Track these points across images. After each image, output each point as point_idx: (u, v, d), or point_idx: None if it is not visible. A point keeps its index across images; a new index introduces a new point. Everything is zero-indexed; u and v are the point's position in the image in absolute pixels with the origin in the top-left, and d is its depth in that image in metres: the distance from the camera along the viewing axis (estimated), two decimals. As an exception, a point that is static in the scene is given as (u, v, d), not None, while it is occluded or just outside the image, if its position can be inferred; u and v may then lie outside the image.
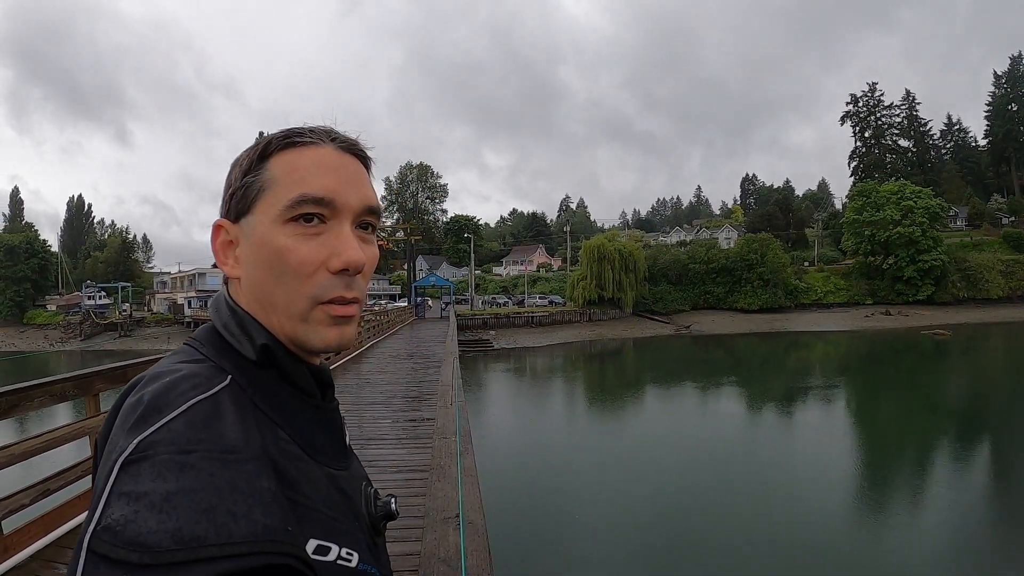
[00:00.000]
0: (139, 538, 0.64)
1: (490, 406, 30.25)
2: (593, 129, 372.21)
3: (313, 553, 0.81)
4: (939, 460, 19.93)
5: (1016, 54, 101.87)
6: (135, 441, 0.72)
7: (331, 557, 0.84)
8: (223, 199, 1.00)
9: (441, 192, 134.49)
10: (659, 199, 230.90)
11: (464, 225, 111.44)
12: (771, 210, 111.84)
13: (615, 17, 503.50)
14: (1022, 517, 14.48)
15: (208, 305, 1.09)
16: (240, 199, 0.96)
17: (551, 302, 76.74)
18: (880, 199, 77.47)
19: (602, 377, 41.85)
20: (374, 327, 29.54)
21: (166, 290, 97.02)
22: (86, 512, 0.68)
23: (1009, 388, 34.01)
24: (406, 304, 62.25)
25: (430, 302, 66.44)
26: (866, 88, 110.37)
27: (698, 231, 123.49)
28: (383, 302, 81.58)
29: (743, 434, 23.50)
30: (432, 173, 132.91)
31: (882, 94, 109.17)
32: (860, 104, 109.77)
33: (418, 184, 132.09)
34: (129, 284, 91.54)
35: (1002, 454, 20.39)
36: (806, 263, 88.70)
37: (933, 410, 27.84)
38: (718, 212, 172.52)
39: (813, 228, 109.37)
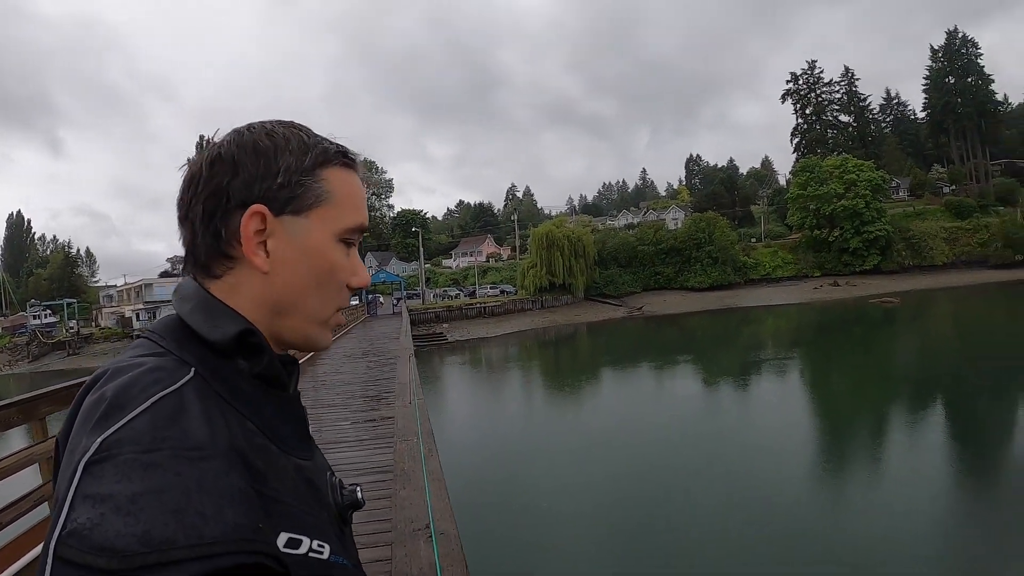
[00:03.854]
0: (106, 542, 0.62)
1: (447, 400, 29.89)
2: (538, 114, 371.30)
3: (284, 547, 0.79)
4: (894, 425, 20.17)
5: (952, 28, 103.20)
6: (98, 441, 0.70)
7: (303, 550, 0.82)
8: (252, 178, 0.94)
9: (387, 187, 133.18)
10: (605, 183, 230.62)
11: (411, 219, 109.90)
12: (717, 189, 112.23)
13: None
14: (976, 476, 14.72)
15: (172, 293, 1.02)
16: (293, 197, 0.95)
17: (503, 291, 76.14)
18: (823, 174, 78.23)
19: (558, 363, 41.67)
20: None
21: (113, 304, 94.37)
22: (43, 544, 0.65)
23: (958, 350, 34.57)
24: (357, 302, 61.41)
25: (381, 299, 65.53)
26: (806, 66, 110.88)
27: (645, 213, 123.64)
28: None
29: (701, 411, 23.47)
30: (376, 168, 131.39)
31: (821, 71, 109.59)
32: (800, 82, 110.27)
33: (363, 181, 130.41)
34: (75, 300, 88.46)
35: (955, 416, 20.58)
36: (753, 239, 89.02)
37: (886, 376, 28.36)
38: (664, 193, 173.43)
39: (759, 205, 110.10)
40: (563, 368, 38.60)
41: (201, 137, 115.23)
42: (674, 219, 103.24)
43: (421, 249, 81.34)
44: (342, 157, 1.01)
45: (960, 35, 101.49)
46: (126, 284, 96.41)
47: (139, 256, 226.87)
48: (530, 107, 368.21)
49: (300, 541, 0.82)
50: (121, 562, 0.61)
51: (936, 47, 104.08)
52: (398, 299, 62.52)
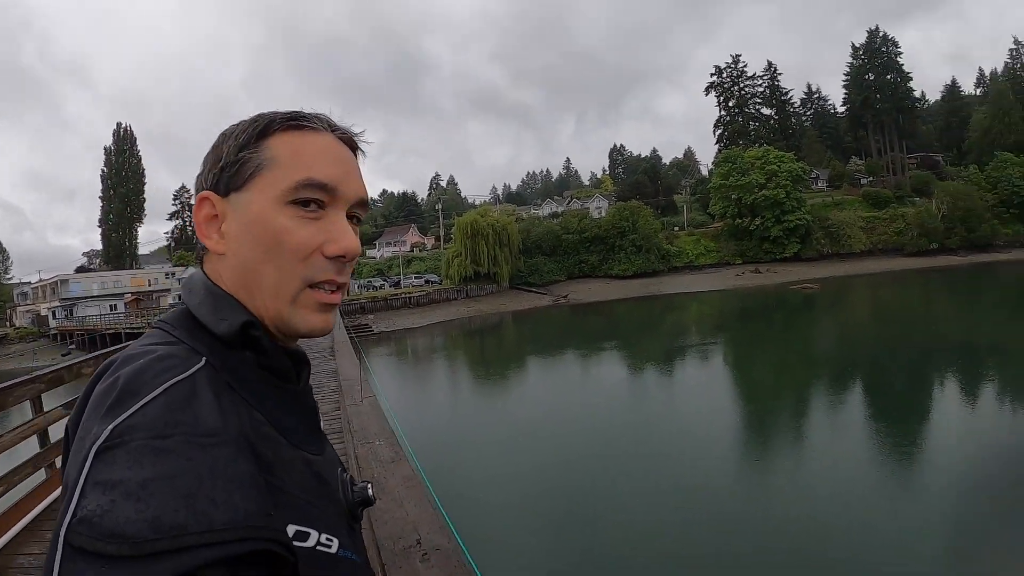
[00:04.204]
0: (116, 528, 0.61)
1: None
2: (463, 103, 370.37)
3: (292, 539, 0.78)
4: (816, 408, 20.57)
5: (874, 27, 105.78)
6: (109, 427, 0.70)
7: (310, 543, 0.82)
8: (207, 170, 0.98)
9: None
10: (529, 172, 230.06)
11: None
12: (640, 179, 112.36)
13: None
14: (895, 455, 15.02)
15: (181, 285, 1.05)
16: (233, 174, 0.94)
17: (427, 281, 74.39)
18: (745, 164, 79.33)
19: (484, 353, 41.25)
20: None
21: (28, 301, 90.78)
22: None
23: (875, 334, 35.45)
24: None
25: (306, 289, 63.67)
26: (730, 60, 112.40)
27: (569, 202, 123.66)
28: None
29: (627, 398, 23.59)
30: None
31: (745, 65, 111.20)
32: (724, 75, 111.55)
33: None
34: None
35: (873, 397, 21.15)
36: (676, 228, 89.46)
37: (807, 360, 29.02)
38: (588, 183, 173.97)
39: (681, 194, 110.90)
40: (489, 358, 38.10)
41: (118, 125, 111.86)
42: (598, 208, 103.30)
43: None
44: (288, 121, 0.97)
45: (881, 34, 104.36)
46: (41, 281, 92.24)
47: (54, 251, 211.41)
48: (455, 96, 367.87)
49: (308, 534, 0.82)
50: (132, 548, 0.61)
51: (857, 45, 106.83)
52: (322, 289, 60.68)
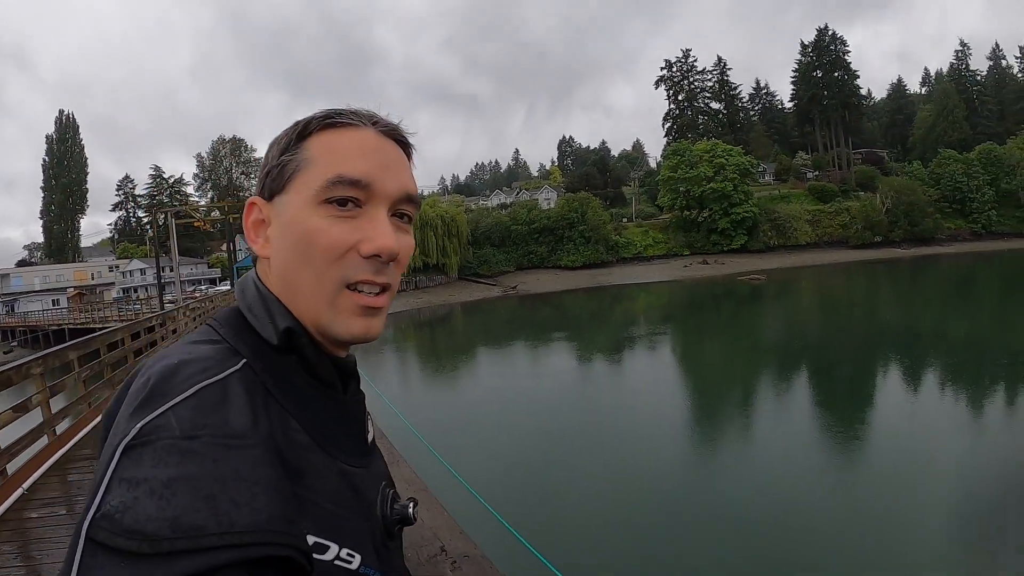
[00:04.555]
0: (136, 526, 0.62)
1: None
2: (413, 93, 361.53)
3: (311, 550, 0.77)
4: (763, 394, 20.90)
5: (823, 26, 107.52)
6: (138, 426, 0.70)
7: (328, 556, 0.80)
8: (259, 177, 0.99)
9: (256, 167, 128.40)
10: (478, 163, 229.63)
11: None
12: (589, 170, 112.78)
13: None
14: (839, 438, 15.34)
15: (236, 284, 1.06)
16: (275, 178, 0.95)
17: (375, 272, 73.86)
18: (693, 157, 79.99)
19: (434, 344, 40.73)
20: (200, 315, 27.39)
21: None
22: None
23: (820, 323, 36.33)
24: (229, 288, 58.30)
25: (250, 282, 62.02)
26: (680, 54, 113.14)
27: (518, 193, 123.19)
28: (203, 287, 76.73)
29: (578, 387, 23.38)
30: (246, 147, 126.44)
31: (695, 60, 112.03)
32: (674, 69, 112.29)
33: (232, 159, 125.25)
34: None
35: (818, 383, 21.56)
36: (625, 219, 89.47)
37: (754, 348, 29.38)
38: (536, 174, 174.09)
39: (630, 186, 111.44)
40: (440, 349, 37.80)
41: (61, 112, 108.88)
42: (547, 199, 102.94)
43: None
44: (325, 120, 0.95)
45: (830, 32, 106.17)
46: None
47: None
48: (405, 85, 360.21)
49: (327, 547, 0.80)
50: (151, 546, 0.61)
51: (807, 43, 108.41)
52: (266, 281, 59.24)
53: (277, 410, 0.83)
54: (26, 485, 7.15)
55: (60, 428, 9.01)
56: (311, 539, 0.77)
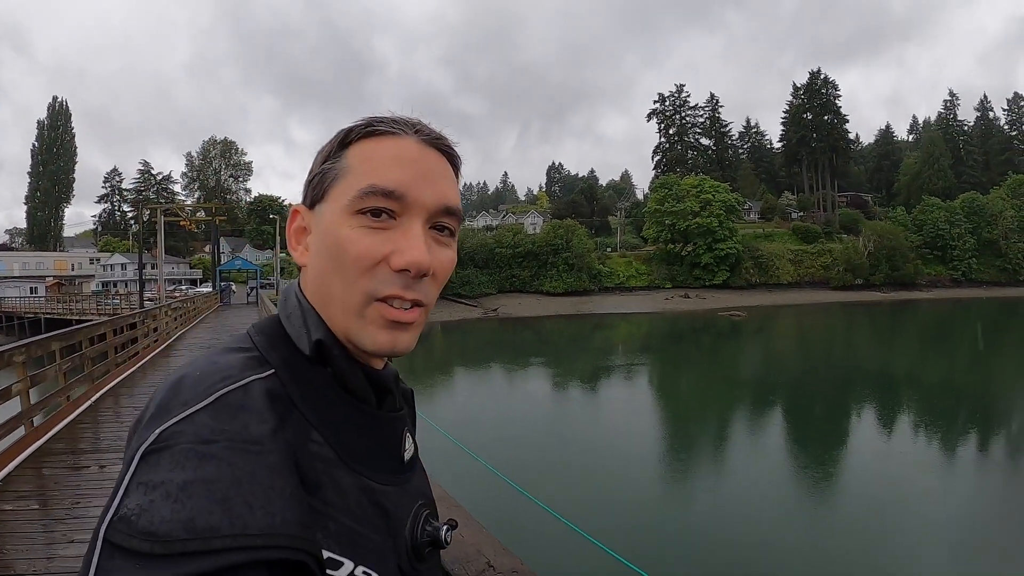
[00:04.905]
0: (151, 527, 0.63)
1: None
2: (406, 106, 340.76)
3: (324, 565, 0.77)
4: (739, 427, 21.12)
5: (816, 69, 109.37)
6: (157, 431, 0.72)
7: (342, 573, 0.79)
8: (304, 184, 0.99)
9: (245, 170, 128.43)
10: (466, 184, 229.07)
11: (268, 206, 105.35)
12: (577, 198, 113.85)
13: None
14: (812, 472, 15.59)
15: (280, 292, 1.04)
16: (316, 186, 0.94)
17: (356, 288, 73.71)
18: (681, 191, 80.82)
19: (411, 362, 40.01)
20: (182, 316, 27.51)
21: None
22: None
23: (798, 360, 36.56)
24: (210, 290, 57.84)
25: (234, 287, 61.25)
26: (674, 89, 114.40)
27: (504, 216, 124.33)
28: (184, 287, 76.22)
29: (553, 413, 23.44)
30: (236, 150, 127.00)
31: (688, 95, 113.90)
32: (667, 103, 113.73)
33: (221, 161, 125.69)
34: None
35: (794, 419, 21.71)
36: (609, 249, 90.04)
37: (732, 382, 29.46)
38: (524, 198, 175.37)
39: (616, 216, 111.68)
40: (416, 368, 37.19)
41: (54, 99, 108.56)
42: (533, 224, 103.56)
43: (277, 237, 78.05)
44: (365, 128, 0.93)
45: (822, 77, 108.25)
46: None
47: None
48: (399, 98, 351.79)
49: (341, 563, 0.79)
50: (164, 547, 0.62)
51: (799, 85, 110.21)
52: (252, 288, 58.43)
53: (299, 421, 0.82)
54: (2, 474, 7.01)
55: (37, 420, 8.86)
56: (325, 554, 0.77)
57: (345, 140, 0.93)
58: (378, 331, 0.88)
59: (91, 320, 21.11)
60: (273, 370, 0.85)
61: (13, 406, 8.17)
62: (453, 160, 0.98)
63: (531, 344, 46.44)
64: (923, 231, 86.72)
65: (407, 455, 0.99)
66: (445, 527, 0.96)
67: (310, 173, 0.96)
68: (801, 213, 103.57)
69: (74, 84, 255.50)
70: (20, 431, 8.13)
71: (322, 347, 0.89)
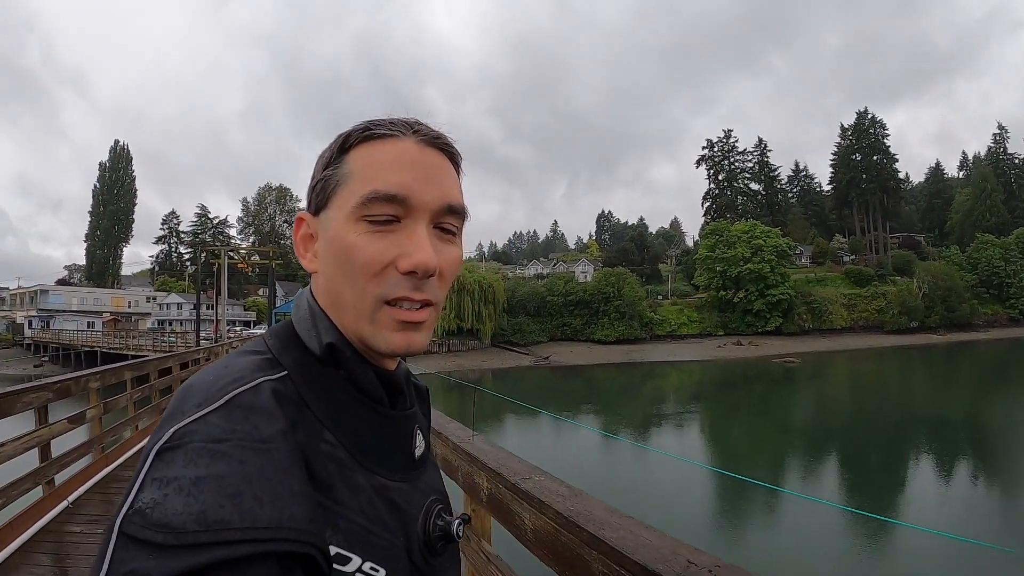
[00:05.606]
0: (164, 519, 0.65)
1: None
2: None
3: (332, 560, 0.78)
4: (791, 476, 20.65)
5: (863, 109, 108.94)
6: (171, 430, 0.74)
7: (350, 568, 0.81)
8: (307, 192, 1.00)
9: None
10: (516, 232, 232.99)
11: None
12: (627, 245, 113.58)
13: (487, 42, 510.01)
14: (861, 522, 14.96)
15: (294, 299, 1.03)
16: (319, 193, 0.95)
17: (409, 331, 74.54)
18: (732, 237, 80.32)
19: (462, 408, 40.46)
20: None
21: (4, 307, 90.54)
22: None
23: (853, 407, 35.86)
24: (266, 330, 58.91)
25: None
26: (722, 134, 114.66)
27: (555, 264, 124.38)
28: (239, 328, 77.90)
29: (603, 460, 23.49)
30: (291, 196, 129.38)
31: (736, 140, 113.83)
32: (715, 149, 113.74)
33: (276, 207, 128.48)
34: None
35: (847, 467, 21.33)
36: (660, 296, 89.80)
37: (785, 430, 29.14)
38: (573, 247, 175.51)
39: (667, 264, 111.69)
40: (467, 413, 37.66)
41: (116, 142, 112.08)
42: (583, 272, 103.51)
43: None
44: (363, 132, 0.94)
45: (869, 116, 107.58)
46: (20, 288, 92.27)
47: (36, 260, 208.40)
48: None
49: (349, 559, 0.81)
50: (177, 539, 0.64)
51: (846, 126, 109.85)
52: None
53: (311, 421, 0.85)
54: (71, 498, 7.16)
55: (107, 447, 9.11)
56: (333, 550, 0.79)
57: (344, 145, 0.94)
58: (392, 333, 0.90)
59: (147, 356, 22.04)
60: (285, 372, 0.87)
61: (85, 431, 8.61)
62: (453, 158, 0.99)
63: (582, 392, 46.49)
64: (978, 269, 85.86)
65: (418, 452, 1.02)
66: (458, 521, 1.00)
67: (312, 180, 0.98)
68: (853, 256, 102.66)
69: (132, 127, 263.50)
70: (90, 456, 8.42)
71: (333, 349, 0.91)
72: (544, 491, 2.31)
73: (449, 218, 0.94)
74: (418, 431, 1.04)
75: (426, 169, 0.93)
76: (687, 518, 15.56)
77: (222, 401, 0.77)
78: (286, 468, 0.74)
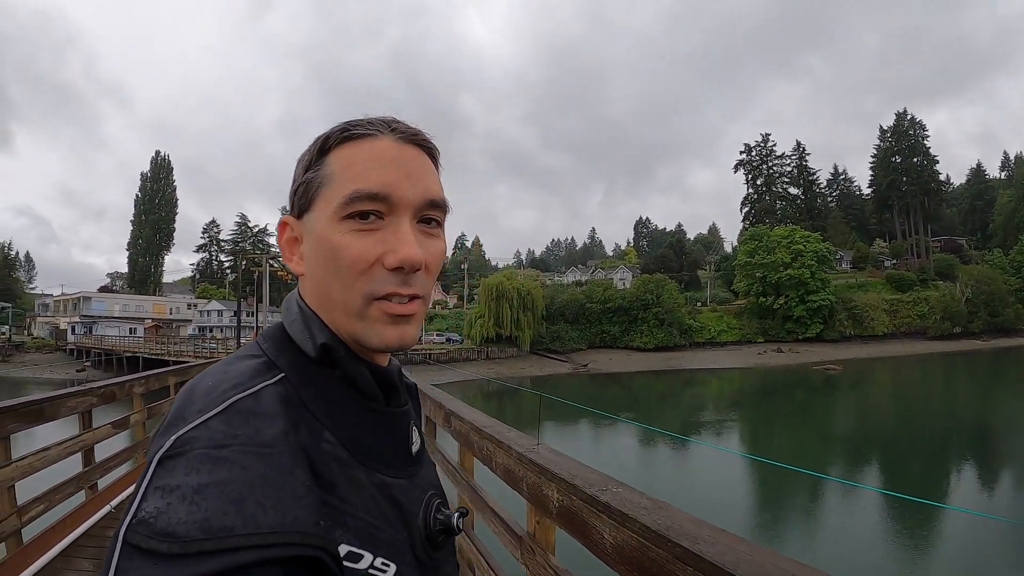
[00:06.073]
0: (168, 528, 0.65)
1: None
2: (492, 163, 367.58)
3: (343, 559, 0.79)
4: (833, 484, 20.28)
5: (902, 110, 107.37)
6: (172, 438, 0.74)
7: (362, 565, 0.82)
8: (289, 195, 1.00)
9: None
10: (554, 239, 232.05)
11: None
12: (665, 252, 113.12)
13: (522, 50, 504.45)
14: (909, 533, 15.25)
15: (283, 303, 1.03)
16: (302, 195, 0.95)
17: (448, 340, 75.35)
18: (771, 243, 79.96)
19: (502, 414, 40.54)
20: None
21: (48, 313, 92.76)
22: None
23: (896, 415, 35.82)
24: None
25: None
26: (760, 138, 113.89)
27: (593, 272, 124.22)
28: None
29: (641, 468, 23.35)
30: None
31: (774, 144, 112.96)
32: (753, 153, 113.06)
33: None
34: (9, 305, 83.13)
35: (891, 476, 21.29)
36: (699, 303, 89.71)
37: (826, 437, 29.05)
38: (611, 253, 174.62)
39: (705, 270, 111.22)
40: (507, 419, 37.83)
41: (157, 153, 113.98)
42: (622, 279, 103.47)
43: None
44: (342, 133, 0.94)
45: (909, 117, 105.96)
46: (63, 295, 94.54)
47: (78, 268, 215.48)
48: (485, 155, 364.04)
49: (360, 556, 0.82)
50: (181, 547, 0.64)
51: (885, 128, 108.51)
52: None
53: (310, 422, 0.85)
54: (114, 503, 7.12)
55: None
56: (344, 548, 0.80)
57: (324, 147, 0.95)
58: (384, 328, 0.91)
59: (188, 362, 22.16)
60: (283, 374, 0.88)
61: (127, 436, 8.53)
62: (431, 153, 1.00)
63: (621, 399, 46.55)
64: (1022, 273, 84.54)
65: (415, 448, 1.03)
66: (457, 515, 1.01)
67: (294, 183, 0.97)
68: (894, 261, 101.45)
69: (171, 138, 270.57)
70: (132, 461, 8.37)
71: (328, 349, 0.92)
72: (625, 503, 2.23)
73: (431, 212, 0.95)
74: (413, 427, 1.05)
75: (406, 166, 0.93)
76: (721, 524, 15.74)
77: (222, 407, 0.78)
78: (288, 472, 0.74)
